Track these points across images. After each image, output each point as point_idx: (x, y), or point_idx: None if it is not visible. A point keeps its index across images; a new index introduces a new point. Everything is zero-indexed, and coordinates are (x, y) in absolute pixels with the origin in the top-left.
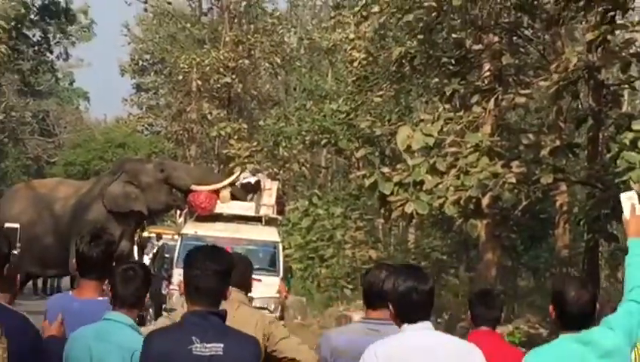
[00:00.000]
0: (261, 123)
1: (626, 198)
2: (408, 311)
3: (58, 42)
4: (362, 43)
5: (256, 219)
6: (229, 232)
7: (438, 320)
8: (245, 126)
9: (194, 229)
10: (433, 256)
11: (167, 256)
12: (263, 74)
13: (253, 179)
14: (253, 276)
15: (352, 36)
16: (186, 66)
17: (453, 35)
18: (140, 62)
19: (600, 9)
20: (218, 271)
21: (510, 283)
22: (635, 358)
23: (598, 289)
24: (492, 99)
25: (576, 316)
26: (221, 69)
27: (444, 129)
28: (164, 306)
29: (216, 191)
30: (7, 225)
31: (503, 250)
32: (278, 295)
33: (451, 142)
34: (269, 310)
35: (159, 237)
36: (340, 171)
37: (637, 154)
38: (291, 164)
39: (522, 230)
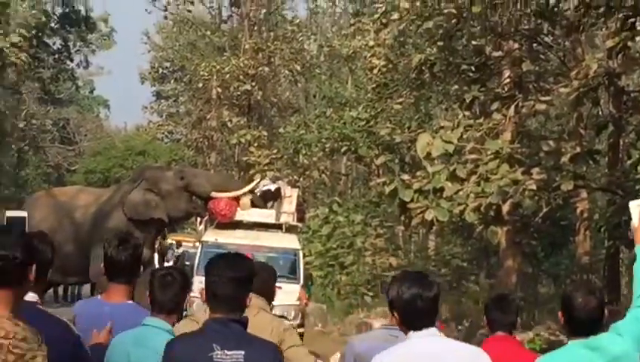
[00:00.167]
0: (281, 130)
1: (635, 206)
2: (413, 318)
3: (78, 50)
4: (382, 50)
5: (276, 227)
6: (249, 240)
7: (459, 327)
8: (265, 133)
9: (214, 236)
10: (453, 263)
11: (187, 263)
12: (282, 81)
13: (273, 187)
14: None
15: (371, 43)
16: (206, 74)
17: (473, 42)
18: (160, 70)
19: (620, 15)
20: (236, 278)
21: (531, 290)
22: None
23: (618, 296)
24: (512, 106)
25: (584, 321)
26: (241, 77)
27: (464, 136)
28: (184, 313)
29: (237, 199)
30: (12, 213)
31: (523, 256)
32: (298, 302)
33: (471, 149)
34: (287, 319)
35: (179, 244)
36: (360, 178)
37: None
38: (311, 171)
39: (543, 237)
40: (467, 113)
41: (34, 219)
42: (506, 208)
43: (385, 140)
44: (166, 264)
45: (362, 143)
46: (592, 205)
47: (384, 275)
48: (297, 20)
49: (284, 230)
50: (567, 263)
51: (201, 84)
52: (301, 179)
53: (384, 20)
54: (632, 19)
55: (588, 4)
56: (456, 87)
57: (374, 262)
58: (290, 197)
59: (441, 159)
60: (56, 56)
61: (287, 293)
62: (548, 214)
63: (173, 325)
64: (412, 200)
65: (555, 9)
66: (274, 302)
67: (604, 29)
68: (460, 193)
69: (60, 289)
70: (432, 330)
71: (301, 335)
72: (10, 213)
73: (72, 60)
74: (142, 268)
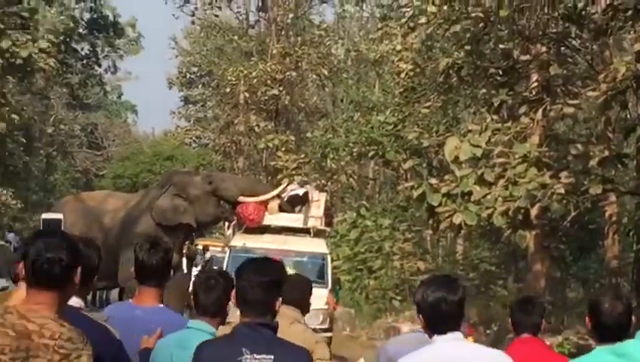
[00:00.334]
0: (308, 135)
1: None
2: (438, 321)
3: (106, 56)
4: (409, 54)
5: (304, 231)
6: (277, 244)
7: (487, 331)
8: (293, 138)
9: (242, 241)
10: (482, 267)
11: (215, 268)
12: (310, 86)
13: (301, 191)
14: None
15: (399, 47)
16: (233, 79)
17: (501, 46)
18: (188, 75)
19: None
20: (264, 283)
21: (559, 294)
22: None
23: None
24: (540, 110)
25: (611, 327)
26: (268, 81)
27: (492, 140)
28: None
29: (265, 203)
30: (48, 215)
31: (551, 260)
32: (326, 307)
33: (499, 153)
34: (321, 329)
35: (205, 249)
36: (388, 183)
37: None
38: (339, 175)
39: (571, 241)
40: (495, 117)
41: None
42: (534, 212)
43: (412, 144)
44: (195, 268)
45: (390, 147)
46: (620, 209)
47: (412, 279)
48: (325, 25)
49: (312, 234)
50: (596, 267)
51: (228, 89)
52: (329, 183)
53: (411, 24)
54: None
55: (616, 8)
56: (483, 90)
57: (402, 267)
58: (318, 201)
59: (469, 163)
60: (85, 61)
61: (316, 298)
62: (576, 218)
63: (217, 328)
64: (440, 204)
65: (583, 12)
66: None
67: (632, 32)
68: (488, 197)
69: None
70: (457, 334)
71: (329, 339)
72: (46, 216)
73: (100, 66)
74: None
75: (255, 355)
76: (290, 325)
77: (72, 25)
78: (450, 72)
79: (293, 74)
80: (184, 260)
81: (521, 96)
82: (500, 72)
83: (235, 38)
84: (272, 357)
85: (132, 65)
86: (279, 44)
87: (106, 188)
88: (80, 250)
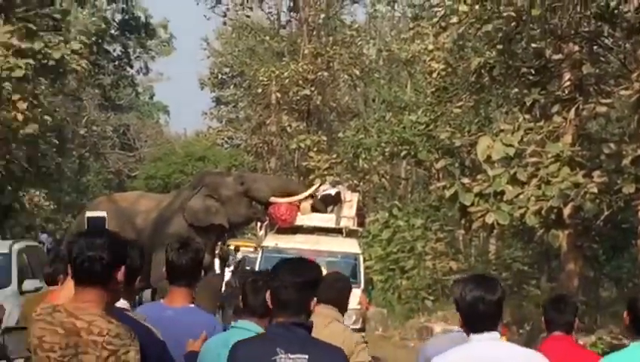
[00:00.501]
0: (340, 135)
1: None
2: (475, 320)
3: (138, 57)
4: (441, 54)
5: (336, 231)
6: (309, 244)
7: (520, 331)
8: (325, 138)
9: (274, 241)
10: (514, 267)
11: (247, 268)
12: (342, 86)
13: (333, 191)
14: None
15: (430, 47)
16: (265, 79)
17: (533, 45)
18: (220, 76)
19: None
20: (298, 283)
21: (592, 293)
22: None
23: None
24: (573, 109)
25: None
26: (300, 82)
27: (525, 139)
28: None
29: (297, 203)
30: (92, 213)
31: (584, 260)
32: (359, 307)
33: (532, 153)
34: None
35: (237, 249)
36: (420, 182)
37: None
38: (371, 175)
39: (604, 240)
40: (527, 116)
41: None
42: (567, 211)
43: (445, 144)
44: (227, 269)
45: (422, 147)
46: None
47: (445, 279)
48: (356, 25)
49: (344, 234)
50: (629, 266)
51: (260, 90)
52: (361, 183)
53: (443, 24)
54: None
55: None
56: (516, 90)
57: (435, 266)
58: (351, 201)
59: (502, 162)
60: (117, 62)
61: None
62: (609, 217)
63: (265, 328)
64: (472, 204)
65: (616, 11)
66: None
67: None
68: (521, 196)
69: None
70: (494, 334)
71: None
72: (90, 214)
73: (131, 67)
74: (202, 273)
75: (290, 355)
76: (328, 324)
77: (104, 26)
78: (482, 71)
79: (325, 74)
80: (217, 261)
81: (553, 95)
82: (533, 72)
83: (267, 38)
84: (307, 356)
85: (164, 66)
86: (311, 44)
87: (138, 189)
88: (124, 249)
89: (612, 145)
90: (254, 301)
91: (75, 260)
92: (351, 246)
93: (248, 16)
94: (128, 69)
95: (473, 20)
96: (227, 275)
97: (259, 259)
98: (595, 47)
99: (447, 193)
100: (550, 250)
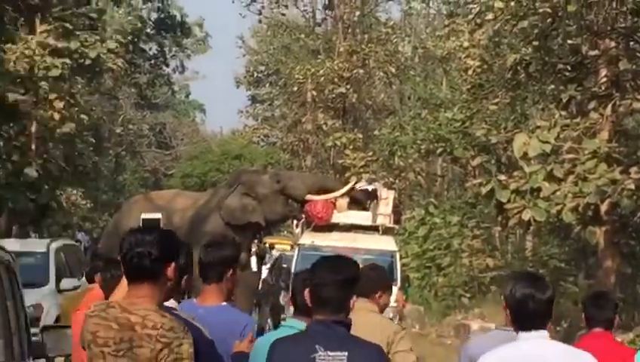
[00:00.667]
0: (376, 132)
1: None
2: (524, 318)
3: (174, 55)
4: (477, 51)
5: (373, 229)
6: (346, 242)
7: (557, 328)
8: (360, 136)
9: (311, 239)
10: (551, 264)
11: (284, 266)
12: (377, 83)
13: (369, 188)
14: None
15: (466, 44)
16: (300, 77)
17: (569, 41)
18: (255, 74)
19: None
20: (338, 281)
21: (630, 290)
22: None
23: None
24: (609, 105)
25: None
26: (336, 79)
27: (561, 135)
28: (282, 316)
29: (333, 201)
30: (147, 215)
31: (622, 257)
32: (396, 304)
33: (568, 149)
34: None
35: (271, 247)
36: (456, 179)
37: None
38: (407, 173)
39: None
40: (564, 113)
41: (132, 222)
42: (604, 208)
43: (481, 141)
44: (264, 267)
45: (458, 144)
46: None
47: (481, 276)
48: (391, 22)
49: (380, 232)
50: None
51: (296, 88)
52: (397, 180)
53: (478, 21)
54: None
55: None
56: (552, 86)
57: (471, 264)
58: (387, 199)
59: (538, 159)
60: (153, 61)
61: None
62: None
63: None
64: (509, 201)
65: None
66: None
67: None
68: (558, 193)
69: None
70: (542, 333)
71: None
72: (145, 216)
73: (167, 65)
74: (233, 271)
75: (329, 352)
76: (364, 316)
77: (139, 25)
78: (518, 68)
79: (361, 71)
80: (254, 259)
81: (590, 91)
82: (569, 68)
83: (302, 36)
84: (346, 353)
85: (200, 64)
86: (346, 41)
87: (174, 188)
88: (174, 246)
89: None
90: (303, 300)
91: (124, 256)
92: (387, 243)
93: (283, 14)
94: (164, 67)
95: (509, 17)
96: (264, 273)
97: (295, 257)
98: (631, 43)
99: (484, 190)
100: (587, 246)
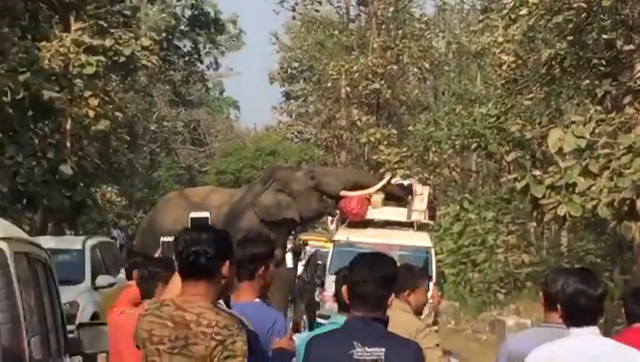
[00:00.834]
0: (410, 128)
1: None
2: (574, 314)
3: (208, 52)
4: (511, 46)
5: (407, 225)
6: (381, 238)
7: None
8: (395, 131)
9: (346, 235)
10: (587, 260)
11: (319, 262)
12: (411, 79)
13: (405, 183)
14: None
15: (500, 39)
16: (334, 73)
17: (604, 36)
18: (289, 70)
19: None
20: (377, 278)
21: None
22: None
23: None
24: None
25: None
26: (370, 75)
27: (596, 130)
28: (317, 312)
29: (368, 197)
30: (196, 214)
31: None
32: (431, 300)
33: (604, 144)
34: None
35: (305, 243)
36: (491, 175)
37: None
38: (441, 168)
39: None
40: (599, 108)
41: (167, 219)
42: (639, 203)
43: (515, 136)
44: (300, 263)
45: (492, 140)
46: None
47: (516, 272)
48: (425, 18)
49: (415, 228)
50: None
51: (329, 84)
52: (431, 176)
53: (513, 16)
54: None
55: None
56: (587, 81)
57: (506, 259)
58: (422, 194)
59: (573, 154)
60: (187, 58)
61: None
62: None
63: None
64: (544, 196)
65: None
66: None
67: None
68: (593, 188)
69: None
70: (593, 329)
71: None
72: (194, 215)
73: (201, 62)
74: (266, 268)
75: (366, 348)
76: (395, 312)
77: (173, 22)
78: (553, 63)
79: (395, 67)
80: (290, 255)
81: (625, 86)
82: (604, 63)
83: (336, 32)
84: (383, 349)
85: (233, 61)
86: (380, 37)
87: (209, 184)
88: (228, 244)
89: None
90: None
91: (180, 255)
92: (422, 239)
93: (317, 11)
94: (198, 64)
95: (543, 12)
96: (299, 269)
97: (330, 253)
98: None
99: (519, 185)
100: (623, 242)
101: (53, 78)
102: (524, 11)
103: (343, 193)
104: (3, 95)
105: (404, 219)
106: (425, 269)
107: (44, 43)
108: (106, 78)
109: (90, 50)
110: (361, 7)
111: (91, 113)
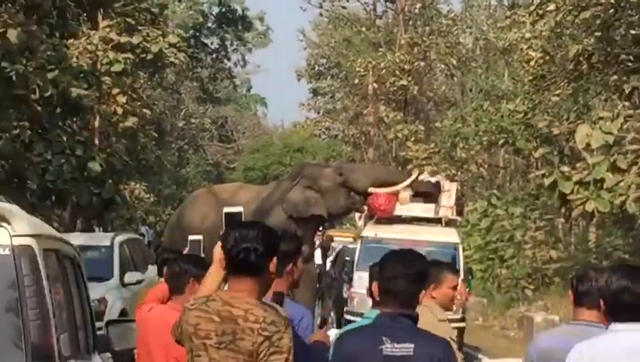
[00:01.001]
0: (438, 124)
1: None
2: (618, 310)
3: (235, 49)
4: (538, 42)
5: (435, 221)
6: (408, 234)
7: None
8: (422, 128)
9: (374, 232)
10: (615, 256)
11: (347, 258)
12: (438, 75)
13: (433, 180)
14: None
15: (528, 35)
16: (361, 70)
17: (632, 32)
18: (316, 67)
19: None
20: (409, 275)
21: None
22: None
23: None
24: None
25: None
26: (397, 72)
27: (624, 126)
28: (345, 309)
29: (396, 193)
30: (229, 209)
31: None
32: (459, 296)
33: (632, 140)
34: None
35: (331, 239)
36: (519, 171)
37: None
38: (469, 165)
39: None
40: (627, 103)
41: (195, 215)
42: None
43: (543, 132)
44: (328, 259)
45: (520, 136)
46: None
47: (544, 268)
48: (452, 14)
49: (443, 224)
50: None
51: (357, 80)
52: (459, 172)
53: (540, 12)
54: None
55: None
56: (615, 77)
57: (534, 255)
58: (449, 191)
59: (601, 150)
60: (214, 55)
61: None
62: None
63: None
64: (572, 192)
65: None
66: None
67: None
68: (621, 184)
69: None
70: (637, 325)
71: (462, 329)
72: (227, 210)
73: (229, 59)
74: (294, 264)
75: (395, 344)
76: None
77: (201, 19)
78: (581, 59)
79: (422, 64)
80: (318, 251)
81: None
82: (631, 58)
83: (363, 29)
84: (412, 345)
85: (261, 58)
86: (407, 34)
87: (237, 181)
88: (276, 240)
89: None
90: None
91: (229, 252)
92: (450, 235)
93: (344, 7)
94: (226, 61)
95: (571, 7)
96: (327, 265)
97: (358, 250)
98: None
99: (547, 181)
100: None
101: (82, 75)
102: (551, 7)
103: (370, 189)
104: (32, 93)
105: (431, 215)
106: (452, 265)
107: (72, 41)
108: (133, 76)
109: (117, 48)
110: (388, 3)
111: (119, 110)
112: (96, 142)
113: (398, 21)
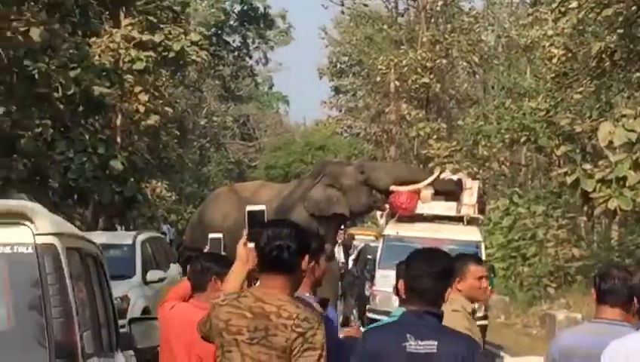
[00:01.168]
0: (460, 122)
1: None
2: None
3: (257, 47)
4: (561, 39)
5: (457, 219)
6: (430, 232)
7: None
8: (444, 125)
9: (395, 230)
10: (637, 254)
11: (369, 257)
12: (460, 73)
13: (455, 178)
14: None
15: (550, 33)
16: (383, 67)
17: None
18: (338, 65)
19: None
20: (434, 273)
21: None
22: None
23: None
24: None
25: None
26: (419, 70)
27: None
28: (367, 307)
29: (417, 192)
30: (252, 207)
31: None
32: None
33: None
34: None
35: (352, 237)
36: (541, 169)
37: None
38: (491, 162)
39: None
40: None
41: (217, 214)
42: None
43: (565, 130)
44: (350, 258)
45: (542, 134)
46: None
47: (567, 266)
48: (474, 11)
49: (465, 222)
50: None
51: (379, 78)
52: (481, 170)
53: (562, 9)
54: None
55: None
56: (637, 74)
57: (557, 253)
58: (471, 189)
59: (624, 148)
60: (236, 53)
61: None
62: None
63: None
64: (594, 190)
65: None
66: None
67: None
68: None
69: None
70: None
71: (484, 327)
72: (250, 208)
73: (251, 57)
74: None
75: (419, 341)
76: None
77: (223, 17)
78: (603, 56)
79: (444, 61)
80: (340, 249)
81: None
82: None
83: (385, 26)
84: (436, 343)
85: (283, 56)
86: (429, 31)
87: (258, 179)
88: (307, 238)
89: None
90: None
91: (263, 249)
92: (472, 233)
93: (366, 5)
94: (247, 59)
95: (593, 5)
96: (349, 264)
97: (380, 248)
98: None
99: (569, 179)
100: None
101: (104, 73)
102: (573, 4)
103: (392, 188)
104: (54, 91)
105: (453, 213)
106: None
107: (94, 39)
108: (155, 74)
109: (139, 46)
110: (409, 1)
111: (141, 108)
112: (118, 140)
113: (420, 19)
